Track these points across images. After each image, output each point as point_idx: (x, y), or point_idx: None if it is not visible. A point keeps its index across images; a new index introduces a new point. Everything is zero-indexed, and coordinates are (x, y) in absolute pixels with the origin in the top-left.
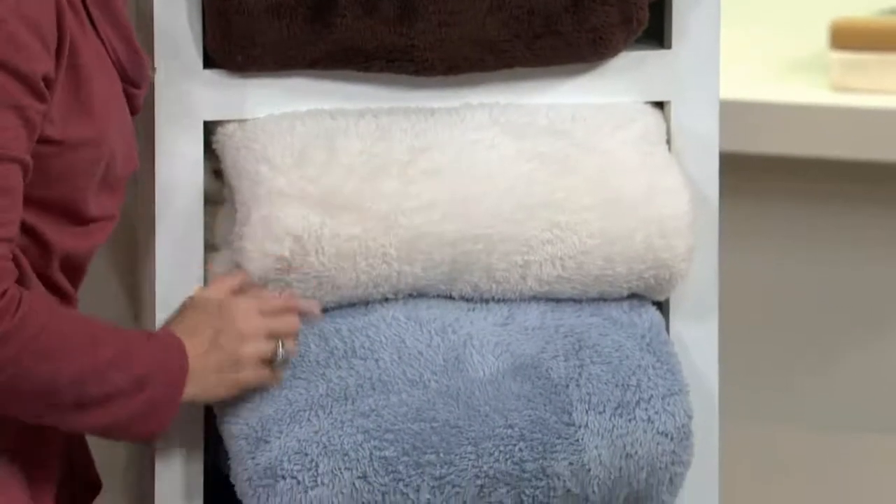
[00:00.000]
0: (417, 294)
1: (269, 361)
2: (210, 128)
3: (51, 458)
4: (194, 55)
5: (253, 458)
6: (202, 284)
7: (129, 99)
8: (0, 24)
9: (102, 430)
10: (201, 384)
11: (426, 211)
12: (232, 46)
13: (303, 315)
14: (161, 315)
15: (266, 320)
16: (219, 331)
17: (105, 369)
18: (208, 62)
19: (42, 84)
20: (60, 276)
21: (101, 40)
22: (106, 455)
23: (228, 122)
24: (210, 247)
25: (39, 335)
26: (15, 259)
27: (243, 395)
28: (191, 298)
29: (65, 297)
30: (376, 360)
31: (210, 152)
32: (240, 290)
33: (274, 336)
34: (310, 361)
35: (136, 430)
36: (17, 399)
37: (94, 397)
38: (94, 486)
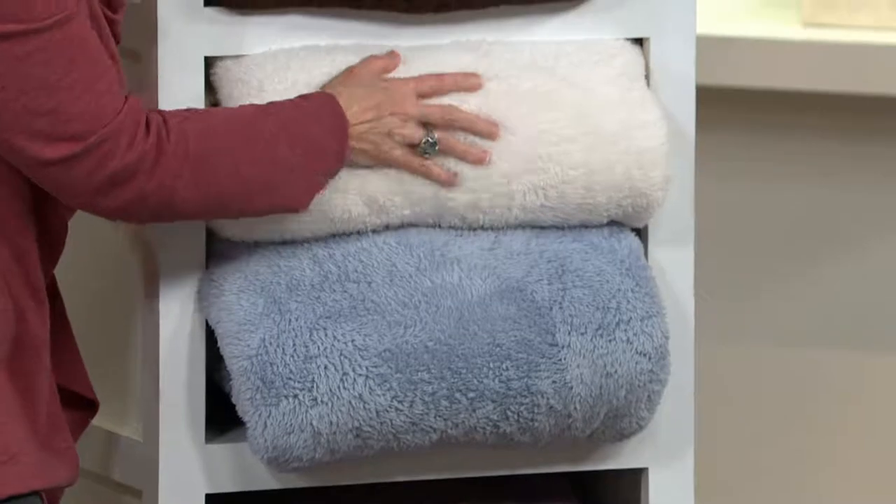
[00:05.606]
0: (408, 224)
1: (416, 146)
2: (211, 63)
3: (47, 381)
4: None
5: (254, 379)
6: None
7: (110, 25)
8: None
9: (289, 204)
10: (351, 153)
11: None
12: None
13: (461, 88)
14: (162, 248)
15: (421, 106)
16: (379, 105)
17: (273, 146)
18: (209, 0)
19: None
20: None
21: None
22: (111, 378)
23: (226, 57)
24: None
25: (200, 142)
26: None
27: (244, 319)
28: (351, 70)
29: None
30: (369, 283)
31: (210, 88)
32: (391, 70)
33: (427, 123)
34: (305, 285)
35: (315, 190)
36: (214, 199)
37: (274, 172)
38: (92, 406)
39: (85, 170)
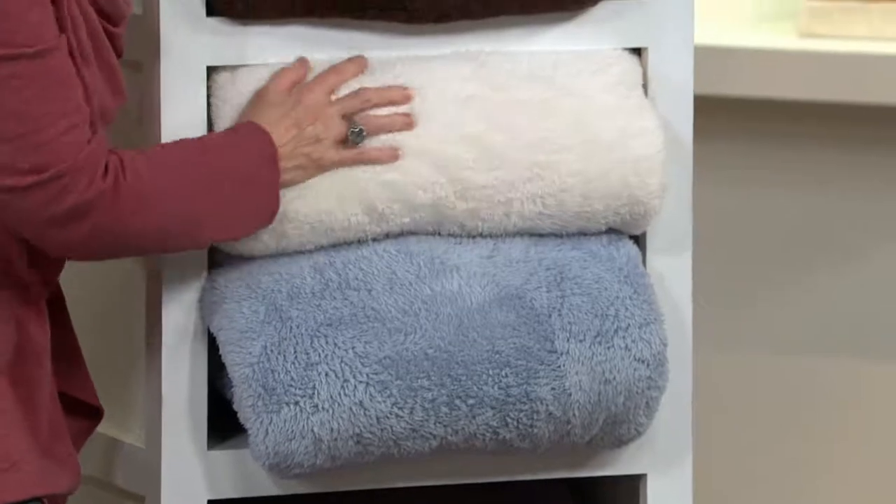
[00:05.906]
0: (407, 232)
1: (345, 140)
2: (209, 75)
3: (48, 389)
4: (197, 3)
5: (256, 386)
6: None
7: (111, 38)
8: None
9: (231, 235)
10: (287, 173)
11: (406, 160)
12: None
13: (358, 74)
14: (164, 257)
15: (335, 103)
16: (297, 120)
17: (214, 181)
18: (211, 10)
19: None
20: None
21: None
22: (114, 385)
23: (223, 68)
24: None
25: (152, 180)
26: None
27: (245, 327)
28: (263, 92)
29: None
30: (369, 291)
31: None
32: (301, 81)
33: (347, 115)
34: (306, 293)
35: (253, 223)
36: (165, 235)
37: (215, 206)
38: (97, 414)
39: (38, 202)
